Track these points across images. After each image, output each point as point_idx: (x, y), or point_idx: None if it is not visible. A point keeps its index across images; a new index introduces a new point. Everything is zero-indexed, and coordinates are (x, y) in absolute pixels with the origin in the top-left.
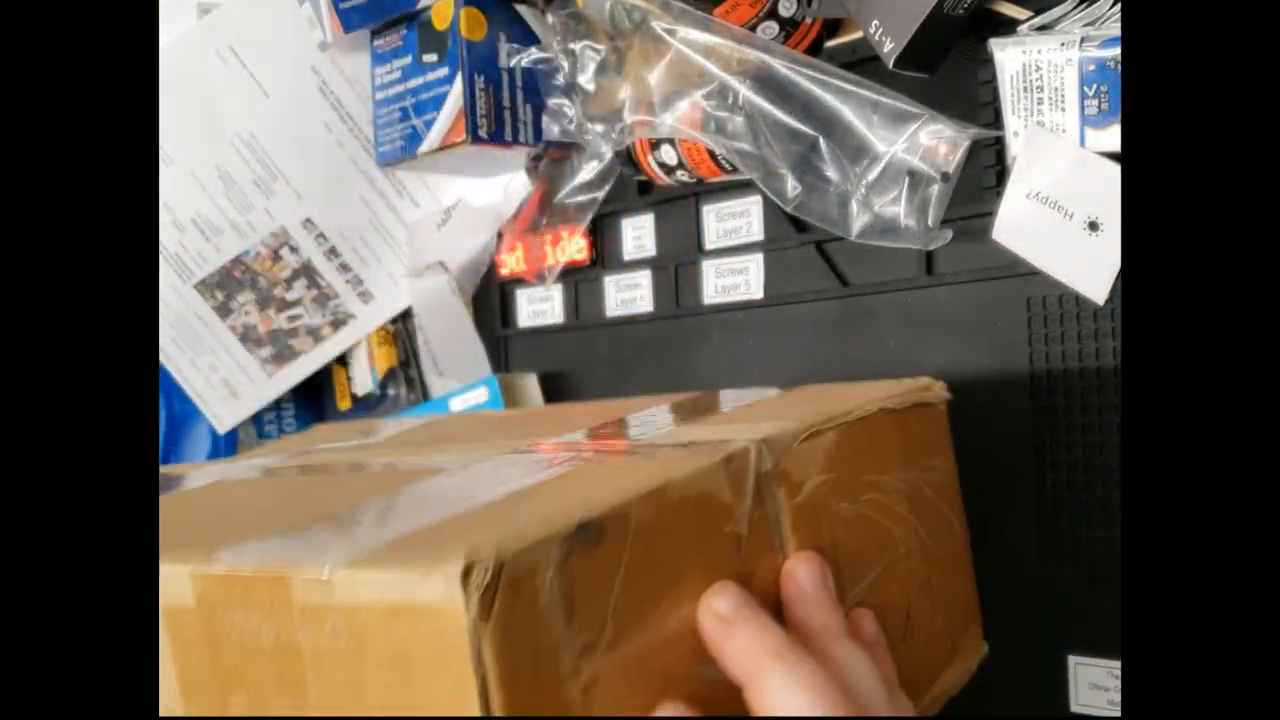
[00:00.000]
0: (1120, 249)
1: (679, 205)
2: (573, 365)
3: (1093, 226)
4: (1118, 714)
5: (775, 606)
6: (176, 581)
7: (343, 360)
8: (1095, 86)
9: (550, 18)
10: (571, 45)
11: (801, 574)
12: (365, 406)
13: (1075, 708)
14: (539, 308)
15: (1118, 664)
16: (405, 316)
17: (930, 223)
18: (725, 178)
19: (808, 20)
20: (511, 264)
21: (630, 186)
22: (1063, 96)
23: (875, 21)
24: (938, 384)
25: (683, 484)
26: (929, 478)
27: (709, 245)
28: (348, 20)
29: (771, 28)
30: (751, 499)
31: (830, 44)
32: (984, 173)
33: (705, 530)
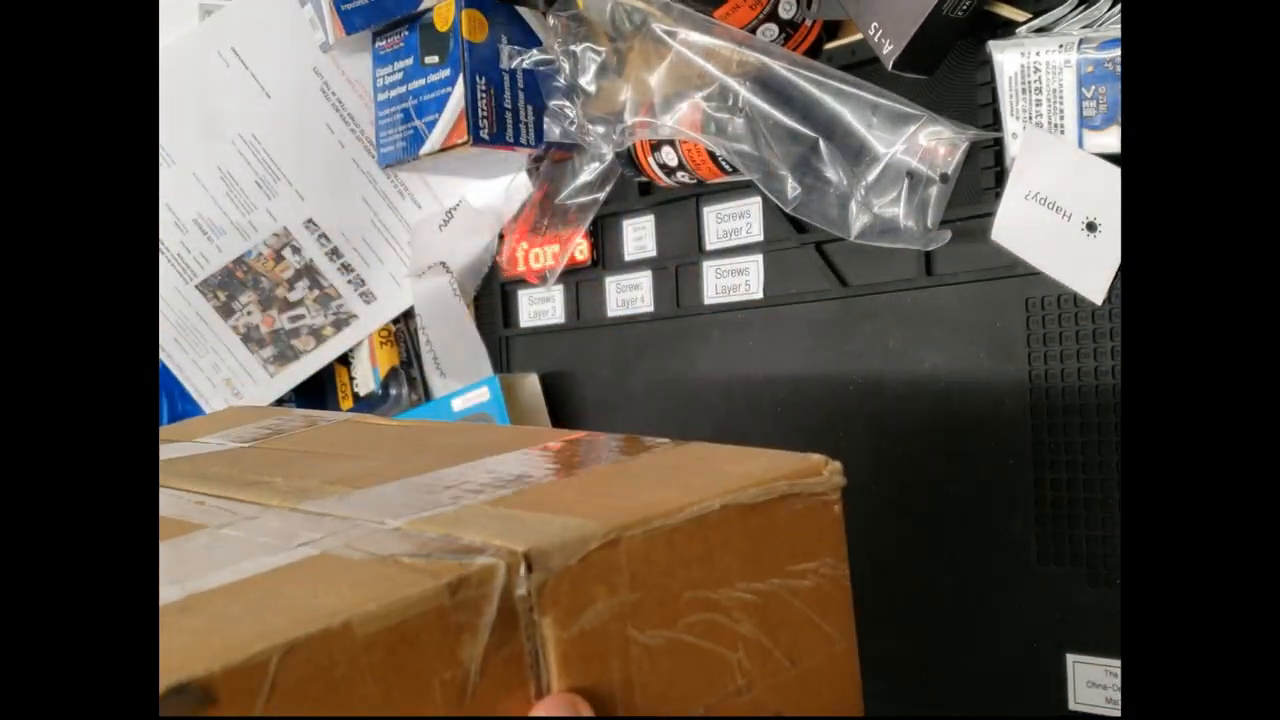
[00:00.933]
0: (1118, 249)
1: (679, 206)
2: (574, 365)
3: (1091, 227)
4: (1116, 712)
5: None
6: None
7: (345, 360)
8: (1093, 88)
9: (551, 20)
10: (572, 47)
11: None
12: (368, 405)
13: (1074, 705)
14: (540, 308)
15: (1116, 662)
16: (407, 317)
17: (929, 223)
18: (725, 179)
19: (807, 22)
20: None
21: (631, 187)
22: (1061, 98)
23: (874, 23)
24: (829, 466)
25: (375, 620)
26: (799, 585)
27: (709, 246)
28: (350, 22)
29: (771, 30)
30: (491, 634)
31: (830, 46)
32: (983, 174)
33: (404, 681)
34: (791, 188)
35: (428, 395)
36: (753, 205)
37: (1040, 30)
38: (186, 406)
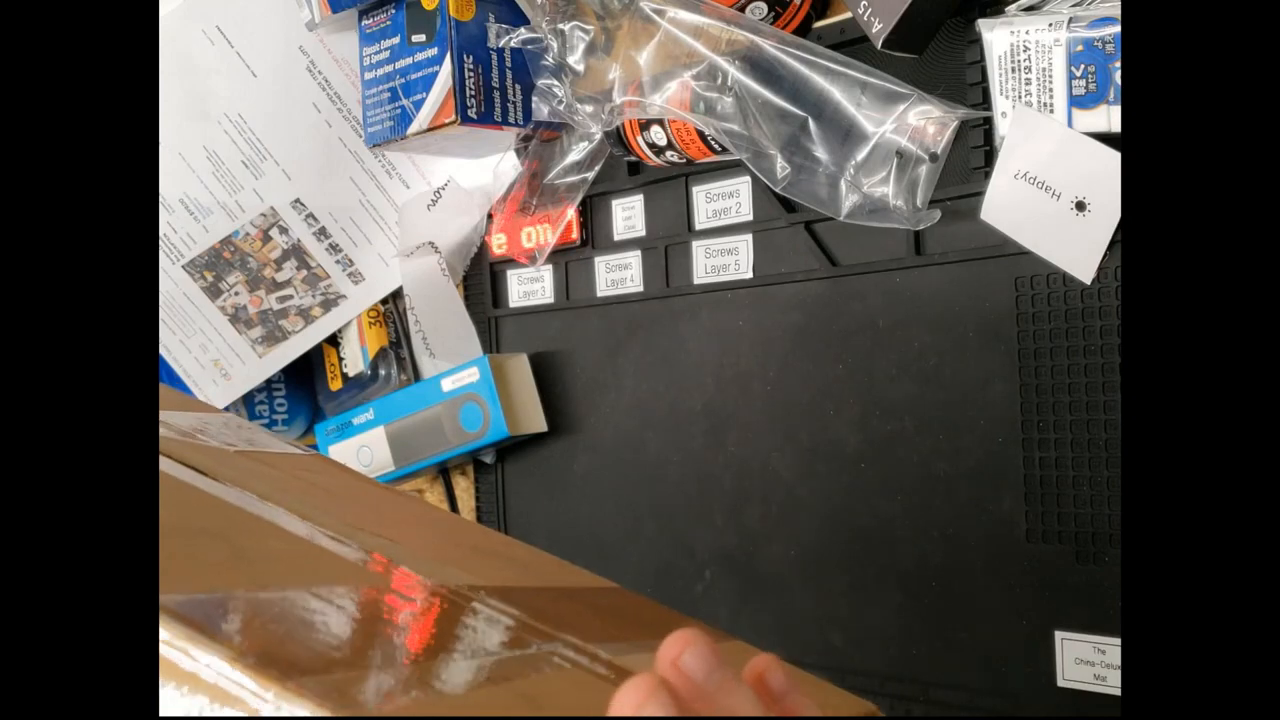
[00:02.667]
0: (1108, 229)
1: (669, 186)
2: (563, 345)
3: (1080, 207)
4: (1103, 688)
5: None
6: None
7: (334, 340)
8: (1083, 67)
9: None
10: (560, 25)
11: (690, 662)
12: (357, 386)
13: (1061, 682)
14: (529, 288)
15: (1104, 639)
16: (396, 297)
17: (919, 203)
18: (715, 158)
19: (796, 1)
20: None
21: (620, 167)
22: (1050, 77)
23: (864, 2)
24: None
25: None
26: None
27: (699, 226)
28: (336, 0)
29: (760, 8)
30: None
31: (819, 24)
32: (972, 153)
33: None
34: (781, 167)
35: (417, 375)
36: (742, 185)
37: (1030, 9)
38: (174, 386)
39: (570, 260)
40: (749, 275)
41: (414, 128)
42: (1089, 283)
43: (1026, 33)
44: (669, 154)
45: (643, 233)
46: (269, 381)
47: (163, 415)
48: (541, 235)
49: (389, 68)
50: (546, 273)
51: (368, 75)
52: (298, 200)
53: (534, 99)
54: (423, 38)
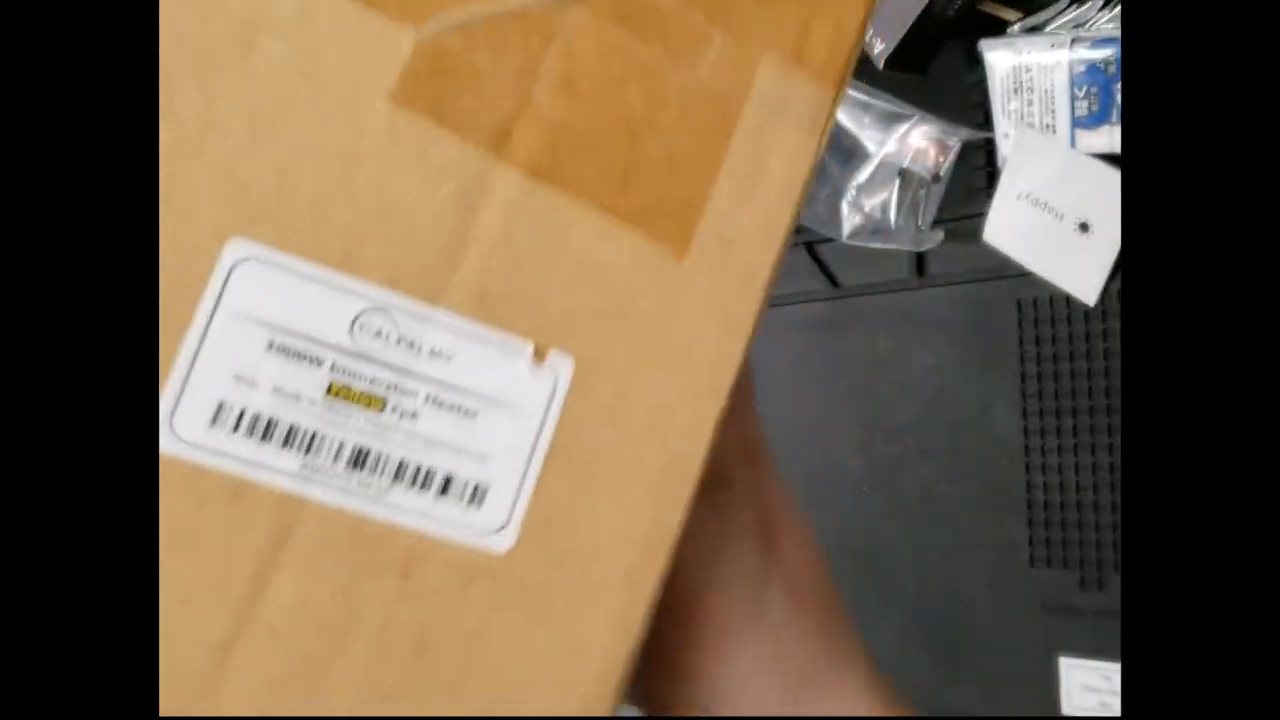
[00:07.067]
0: (1111, 250)
1: None
2: None
3: (1083, 228)
4: (1110, 715)
5: None
6: None
7: None
8: (1085, 88)
9: None
10: None
11: None
12: None
13: (1067, 710)
14: None
15: (1109, 665)
16: None
17: (921, 224)
18: None
19: None
20: None
21: None
22: (1053, 98)
23: None
24: None
25: None
26: None
27: None
28: None
29: None
30: None
31: None
32: (974, 174)
33: None
34: None
35: None
36: None
37: (1032, 30)
38: None
39: None
40: None
41: None
42: (1093, 304)
43: (1029, 54)
44: None
45: None
46: None
47: None
48: None
49: None
50: None
51: None
52: None
53: None
54: None
